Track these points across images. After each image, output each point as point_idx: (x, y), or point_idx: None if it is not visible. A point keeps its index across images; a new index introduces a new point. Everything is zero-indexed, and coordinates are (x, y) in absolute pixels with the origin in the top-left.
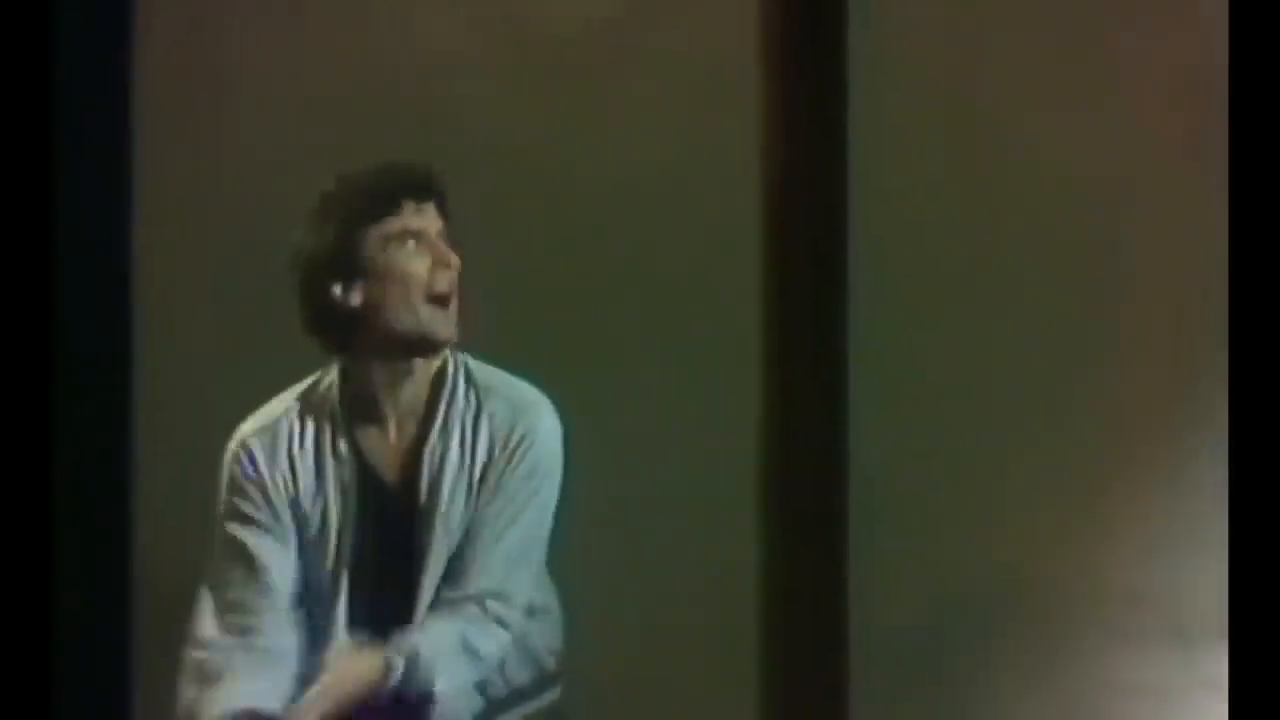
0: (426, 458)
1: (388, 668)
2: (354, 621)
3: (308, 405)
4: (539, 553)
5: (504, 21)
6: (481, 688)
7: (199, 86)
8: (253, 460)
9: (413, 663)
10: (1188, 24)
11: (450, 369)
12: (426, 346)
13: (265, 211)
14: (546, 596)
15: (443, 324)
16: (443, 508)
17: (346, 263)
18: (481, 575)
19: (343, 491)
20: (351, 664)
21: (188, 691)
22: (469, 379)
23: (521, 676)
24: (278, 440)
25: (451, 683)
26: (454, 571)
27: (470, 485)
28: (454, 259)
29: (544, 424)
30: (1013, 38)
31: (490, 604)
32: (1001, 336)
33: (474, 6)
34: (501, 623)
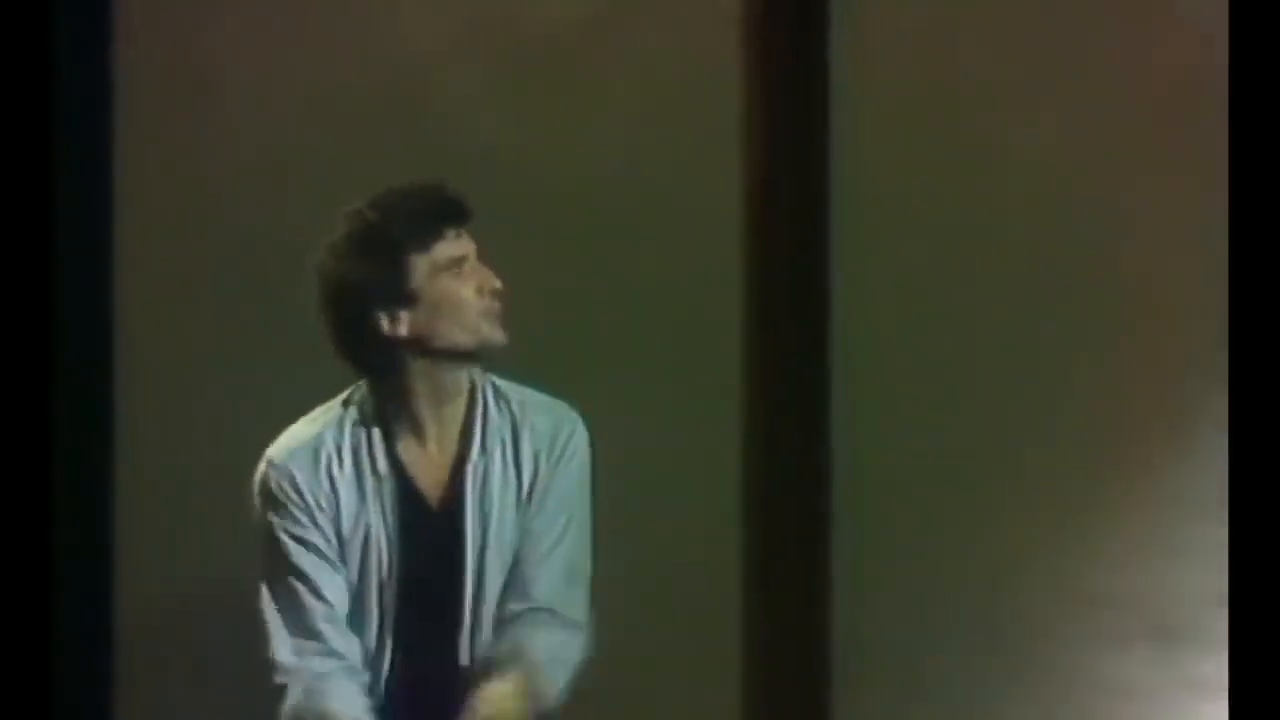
0: (470, 475)
1: (540, 695)
2: (401, 639)
3: (342, 425)
4: (589, 558)
5: (488, 21)
6: None
7: (183, 86)
8: (295, 483)
9: (538, 680)
10: (1181, 24)
11: (480, 385)
12: (476, 356)
13: (249, 212)
14: None
15: (493, 331)
16: (493, 524)
17: (394, 292)
18: (547, 587)
19: (384, 510)
20: (504, 700)
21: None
22: (500, 395)
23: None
24: (318, 461)
25: (558, 696)
26: (515, 585)
27: (519, 499)
28: (498, 283)
29: (580, 433)
30: (998, 37)
31: (561, 612)
32: (985, 340)
33: (458, 6)
34: (577, 628)
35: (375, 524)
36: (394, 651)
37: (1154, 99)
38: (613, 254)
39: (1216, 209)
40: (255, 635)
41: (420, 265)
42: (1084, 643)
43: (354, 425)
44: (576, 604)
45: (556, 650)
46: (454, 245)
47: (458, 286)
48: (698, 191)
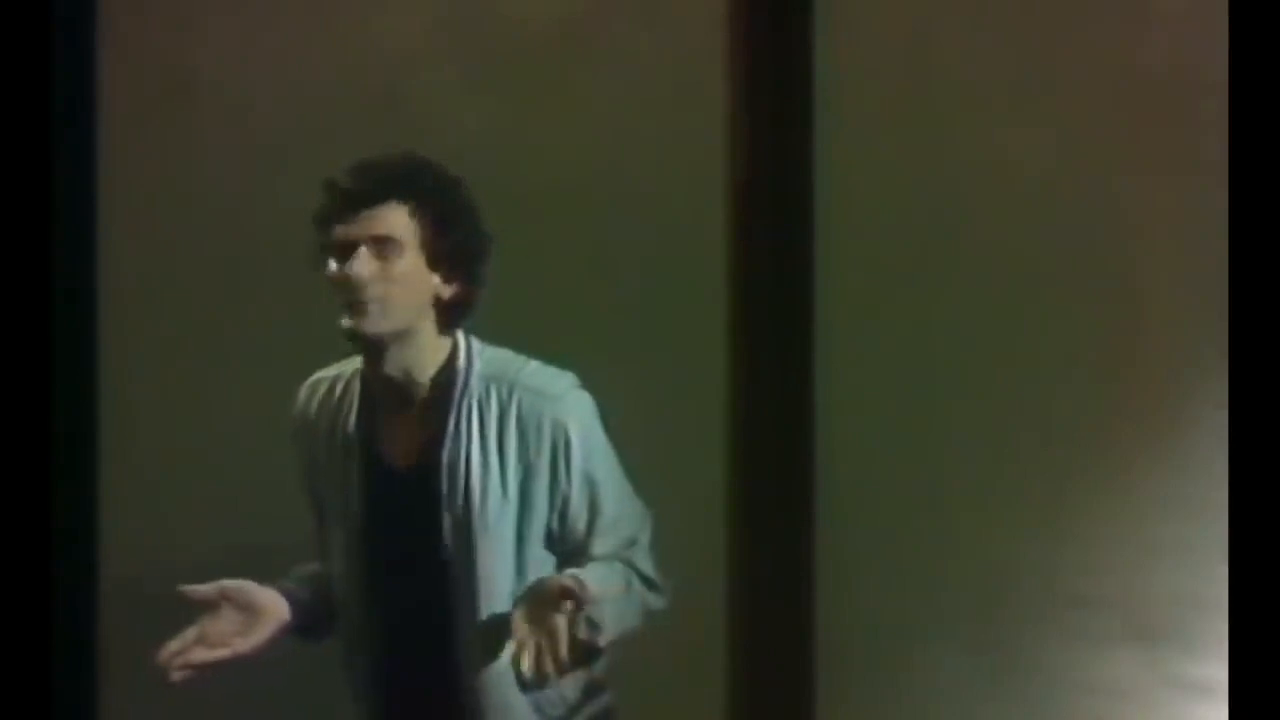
0: (444, 458)
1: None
2: (379, 610)
3: (341, 375)
4: (642, 519)
5: (470, 19)
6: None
7: (163, 89)
8: (296, 405)
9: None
10: (1180, 24)
11: (463, 362)
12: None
13: (230, 214)
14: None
15: (353, 322)
16: (475, 509)
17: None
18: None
19: (349, 468)
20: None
21: None
22: (492, 379)
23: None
24: (312, 395)
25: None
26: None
27: (504, 489)
28: (354, 273)
29: (577, 410)
30: (987, 36)
31: (626, 562)
32: (972, 339)
33: (440, 5)
34: (640, 578)
35: (342, 480)
36: (379, 627)
37: (1153, 99)
38: (595, 254)
39: (1216, 209)
40: None
41: (332, 238)
42: (1071, 643)
43: (350, 376)
44: (641, 560)
45: (609, 582)
46: (350, 227)
47: (335, 268)
48: (681, 192)
